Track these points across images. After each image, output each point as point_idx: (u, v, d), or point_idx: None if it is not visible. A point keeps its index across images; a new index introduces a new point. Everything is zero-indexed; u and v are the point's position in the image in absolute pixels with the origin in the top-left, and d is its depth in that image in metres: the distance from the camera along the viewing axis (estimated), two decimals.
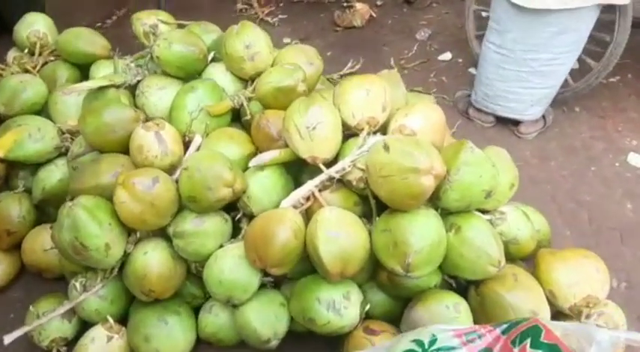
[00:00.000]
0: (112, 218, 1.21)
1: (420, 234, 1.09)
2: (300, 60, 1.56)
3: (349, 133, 1.32)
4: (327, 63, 1.85)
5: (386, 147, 1.08)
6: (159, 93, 1.55)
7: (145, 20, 1.71)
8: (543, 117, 2.11)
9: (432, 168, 1.05)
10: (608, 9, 1.85)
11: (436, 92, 2.41)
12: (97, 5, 3.54)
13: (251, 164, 1.30)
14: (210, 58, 1.61)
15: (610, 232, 1.70)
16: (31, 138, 1.51)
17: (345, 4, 3.29)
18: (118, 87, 1.55)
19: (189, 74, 1.61)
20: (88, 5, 3.54)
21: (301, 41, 3.00)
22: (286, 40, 3.00)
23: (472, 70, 2.54)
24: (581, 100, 2.25)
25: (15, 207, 1.59)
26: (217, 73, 1.58)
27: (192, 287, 1.37)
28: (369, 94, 1.27)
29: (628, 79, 2.41)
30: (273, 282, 1.35)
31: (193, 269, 1.34)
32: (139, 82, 1.61)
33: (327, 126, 1.22)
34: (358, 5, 3.08)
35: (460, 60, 2.66)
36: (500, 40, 1.98)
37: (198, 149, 1.41)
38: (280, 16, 3.27)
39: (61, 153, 1.59)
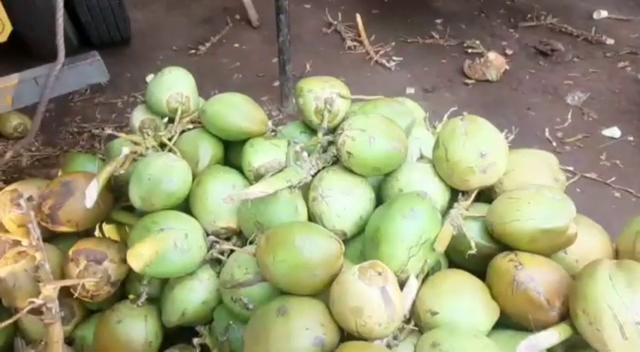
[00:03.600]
0: None
1: None
2: (543, 174, 1.16)
3: None
4: None
5: None
6: (344, 201, 1.16)
7: (318, 92, 1.32)
8: None
9: None
10: None
11: (615, 182, 1.98)
12: (188, 28, 3.20)
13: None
14: (415, 158, 1.22)
15: None
16: (177, 248, 1.13)
17: (469, 51, 2.89)
18: (291, 187, 1.17)
19: (379, 175, 1.23)
20: (177, 28, 3.21)
21: (427, 93, 2.60)
22: (410, 91, 2.60)
23: None
24: None
25: (140, 330, 1.21)
26: (424, 180, 1.18)
27: None
28: None
29: None
30: None
31: None
32: (312, 176, 1.23)
33: None
34: (491, 55, 2.67)
35: (631, 138, 2.22)
36: None
37: (414, 297, 1.01)
38: (395, 58, 2.88)
39: (205, 260, 1.22)
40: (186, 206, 1.28)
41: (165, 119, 1.36)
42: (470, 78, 2.67)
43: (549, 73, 2.71)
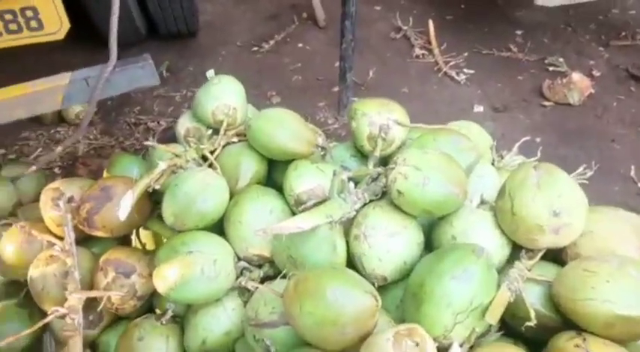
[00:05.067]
0: None
1: None
2: (628, 241, 0.98)
3: None
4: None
5: None
6: (388, 243, 1.04)
7: (373, 117, 1.21)
8: None
9: None
10: None
11: None
12: (254, 23, 3.16)
13: None
14: (475, 202, 1.08)
15: None
16: (204, 275, 1.06)
17: (550, 69, 2.64)
18: (332, 222, 1.06)
19: (432, 217, 1.10)
20: (244, 22, 3.18)
21: (497, 112, 2.40)
22: (478, 109, 2.41)
23: None
24: None
25: (160, 350, 1.16)
26: (482, 231, 1.04)
27: None
28: None
29: None
30: None
31: None
32: (357, 211, 1.11)
33: None
34: (575, 76, 2.42)
35: None
36: None
37: None
38: (466, 71, 2.69)
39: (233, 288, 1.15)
40: (220, 224, 1.22)
41: (210, 131, 1.30)
42: (548, 99, 2.44)
43: None
